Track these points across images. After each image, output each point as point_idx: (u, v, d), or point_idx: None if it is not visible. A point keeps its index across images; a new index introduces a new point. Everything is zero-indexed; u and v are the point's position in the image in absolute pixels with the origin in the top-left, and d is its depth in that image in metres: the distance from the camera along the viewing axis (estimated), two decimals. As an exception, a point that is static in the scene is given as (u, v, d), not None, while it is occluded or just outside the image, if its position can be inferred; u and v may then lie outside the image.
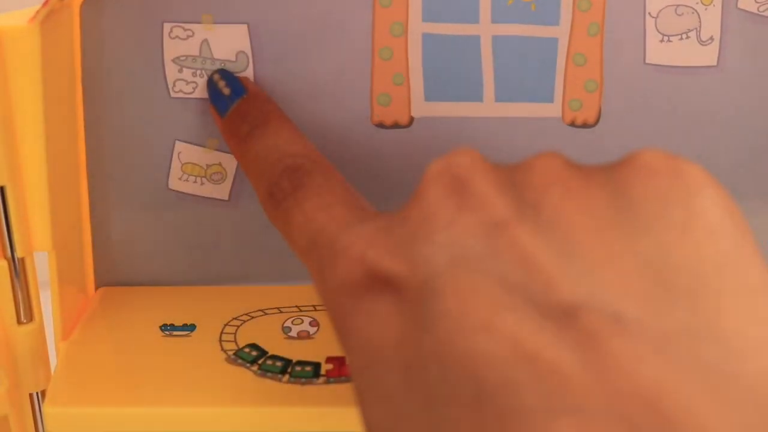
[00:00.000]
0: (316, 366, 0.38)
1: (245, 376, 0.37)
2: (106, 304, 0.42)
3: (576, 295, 0.23)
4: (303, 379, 0.37)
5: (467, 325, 0.23)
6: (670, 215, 0.24)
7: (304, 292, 0.43)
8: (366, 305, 0.26)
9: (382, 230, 0.27)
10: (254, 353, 0.39)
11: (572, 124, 0.43)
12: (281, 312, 0.42)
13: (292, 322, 0.41)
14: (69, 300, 0.40)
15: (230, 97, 0.37)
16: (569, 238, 0.24)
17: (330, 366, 0.38)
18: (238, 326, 0.41)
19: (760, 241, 0.45)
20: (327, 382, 0.37)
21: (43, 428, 0.40)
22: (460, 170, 0.26)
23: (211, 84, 0.39)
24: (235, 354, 0.39)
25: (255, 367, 0.38)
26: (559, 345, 0.22)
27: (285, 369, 0.38)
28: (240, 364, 0.38)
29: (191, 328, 0.40)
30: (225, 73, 0.40)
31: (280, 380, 0.37)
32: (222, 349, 0.39)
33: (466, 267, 0.24)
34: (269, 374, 0.37)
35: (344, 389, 0.37)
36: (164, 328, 0.40)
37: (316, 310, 0.42)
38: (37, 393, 0.39)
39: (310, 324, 0.41)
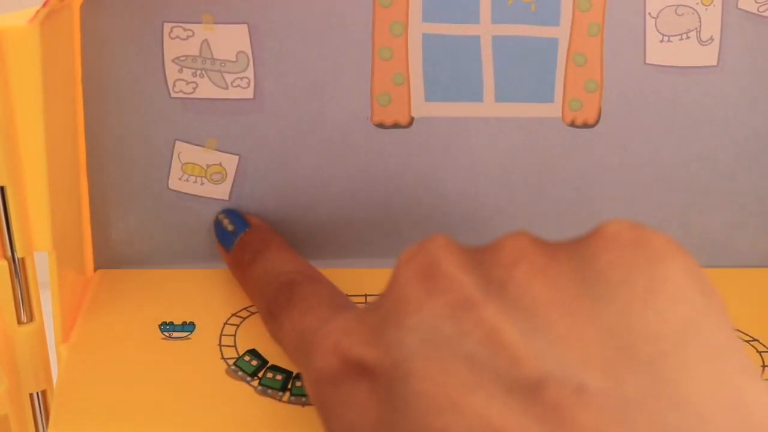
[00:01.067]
0: None
1: (245, 393, 0.37)
2: (105, 292, 0.42)
3: (540, 370, 0.23)
4: (304, 398, 0.37)
5: (438, 406, 0.23)
6: (634, 283, 0.25)
7: None
8: (343, 392, 0.27)
9: (356, 320, 0.28)
10: (254, 363, 0.38)
11: (572, 125, 0.43)
12: None
13: (291, 322, 0.41)
14: (69, 300, 0.40)
15: (234, 233, 0.38)
16: (534, 313, 0.25)
17: None
18: (238, 325, 0.41)
19: (760, 244, 0.45)
20: None
21: (43, 428, 0.40)
22: (430, 255, 0.27)
23: (216, 222, 0.40)
24: (235, 364, 0.38)
25: (255, 382, 0.37)
26: (526, 420, 0.22)
27: (285, 385, 0.37)
28: (240, 377, 0.38)
29: (190, 327, 0.40)
30: (229, 212, 0.41)
31: (280, 399, 0.37)
32: (222, 356, 0.39)
33: (436, 348, 0.25)
34: (269, 391, 0.37)
35: None
36: (163, 327, 0.40)
37: None
38: (37, 393, 0.39)
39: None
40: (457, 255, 0.27)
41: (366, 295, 0.42)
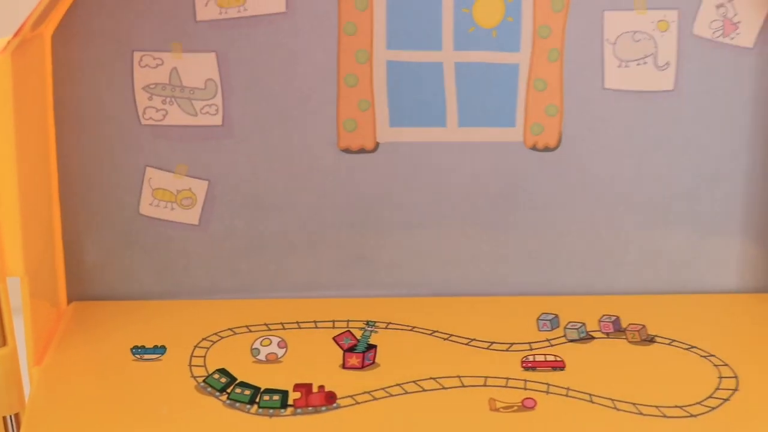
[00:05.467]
0: (284, 395, 0.38)
1: (214, 407, 0.38)
2: (78, 322, 0.43)
3: None
4: (271, 410, 0.38)
5: None
6: None
7: (272, 306, 0.44)
8: None
9: None
10: (223, 380, 0.39)
11: (534, 148, 0.44)
12: (250, 331, 0.42)
13: (260, 343, 0.41)
14: (42, 324, 0.41)
15: None
16: None
17: (297, 395, 0.38)
18: (208, 348, 0.41)
19: (718, 261, 0.46)
20: (294, 413, 0.37)
21: (16, 451, 0.40)
22: None
23: None
24: (204, 381, 0.39)
25: (223, 397, 0.38)
26: None
27: (253, 399, 0.38)
28: (209, 393, 0.38)
29: (162, 350, 0.41)
30: None
31: (248, 411, 0.37)
32: (192, 375, 0.39)
33: None
34: (238, 405, 0.38)
35: (311, 422, 0.37)
36: (135, 351, 0.41)
37: (284, 328, 0.42)
38: (10, 416, 0.39)
39: (279, 345, 0.41)
40: None
41: (333, 321, 0.43)
